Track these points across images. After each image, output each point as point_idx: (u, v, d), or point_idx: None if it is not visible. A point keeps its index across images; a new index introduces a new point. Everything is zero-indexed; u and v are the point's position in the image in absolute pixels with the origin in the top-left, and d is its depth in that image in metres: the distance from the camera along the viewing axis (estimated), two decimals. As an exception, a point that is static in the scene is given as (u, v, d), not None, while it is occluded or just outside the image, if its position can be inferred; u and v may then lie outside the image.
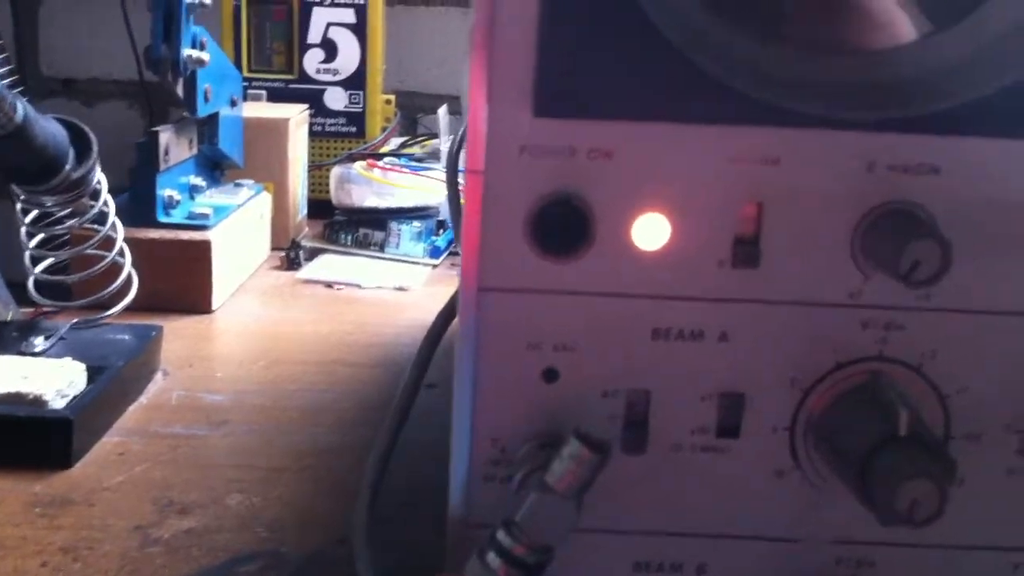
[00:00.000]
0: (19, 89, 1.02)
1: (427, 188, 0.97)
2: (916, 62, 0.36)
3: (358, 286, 0.90)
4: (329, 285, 0.89)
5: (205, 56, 0.78)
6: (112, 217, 0.69)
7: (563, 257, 0.37)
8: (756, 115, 0.36)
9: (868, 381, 0.39)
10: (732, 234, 0.38)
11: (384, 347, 0.76)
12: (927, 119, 0.36)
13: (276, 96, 1.11)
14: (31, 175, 0.58)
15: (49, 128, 0.58)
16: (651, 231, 0.37)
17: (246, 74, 1.10)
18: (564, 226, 0.36)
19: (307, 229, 1.05)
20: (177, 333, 0.75)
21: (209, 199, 0.87)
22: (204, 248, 0.80)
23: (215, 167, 0.92)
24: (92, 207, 0.67)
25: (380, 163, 0.99)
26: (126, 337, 0.68)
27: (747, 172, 0.37)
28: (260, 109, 1.03)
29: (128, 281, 0.70)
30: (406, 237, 0.97)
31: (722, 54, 0.35)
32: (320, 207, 1.05)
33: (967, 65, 0.35)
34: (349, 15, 1.11)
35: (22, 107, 0.54)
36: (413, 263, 0.96)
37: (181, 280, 0.79)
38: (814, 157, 0.37)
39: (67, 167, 0.60)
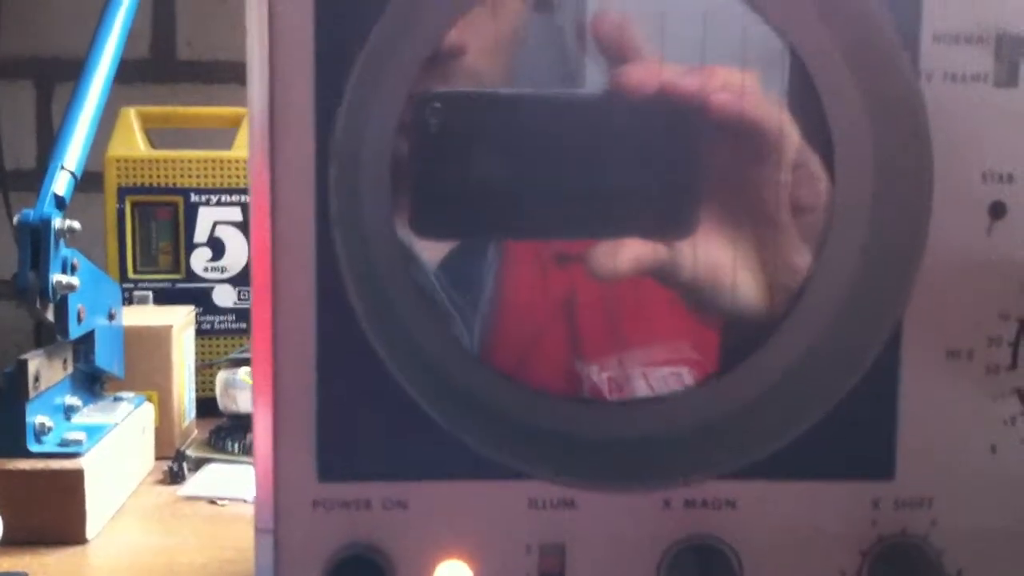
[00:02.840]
0: None
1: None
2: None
3: (243, 500, 0.87)
4: (212, 501, 0.87)
5: (75, 281, 0.77)
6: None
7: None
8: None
9: None
10: None
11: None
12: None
13: (163, 297, 1.09)
14: None
15: None
16: None
17: (132, 275, 1.09)
18: None
19: (196, 432, 1.03)
20: (47, 571, 0.72)
21: (85, 419, 0.84)
22: (76, 478, 0.77)
23: (94, 381, 0.90)
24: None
25: (266, 368, 0.97)
26: (-13, 587, 0.65)
27: (545, 516, 0.37)
28: (144, 314, 1.01)
29: (-10, 526, 0.67)
30: (296, 441, 0.95)
31: (490, 435, 0.35)
32: (211, 406, 1.03)
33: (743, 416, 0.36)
34: (236, 213, 1.11)
35: None
36: (303, 467, 0.93)
37: (53, 511, 0.76)
38: (609, 499, 0.37)
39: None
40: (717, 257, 0.44)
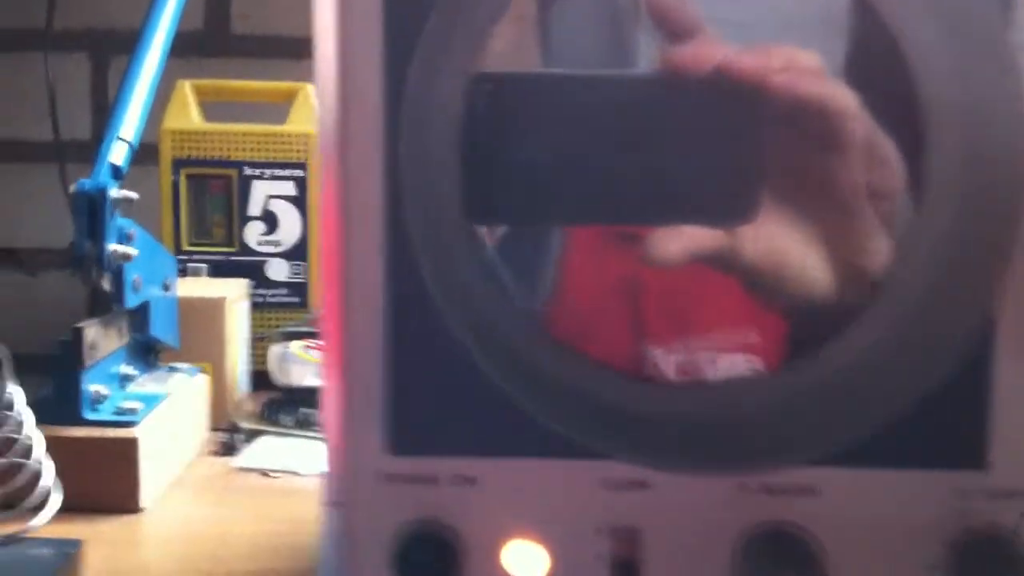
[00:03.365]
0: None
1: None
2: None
3: (296, 473, 0.87)
4: (265, 473, 0.87)
5: (132, 251, 0.77)
6: (28, 427, 0.66)
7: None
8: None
9: None
10: (609, 559, 0.36)
11: (317, 549, 0.73)
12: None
13: (217, 270, 1.10)
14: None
15: (-47, 354, 0.56)
16: (524, 559, 0.35)
17: (186, 248, 1.09)
18: (431, 557, 0.34)
19: (249, 405, 1.03)
20: (102, 538, 0.72)
21: (140, 388, 0.85)
22: (131, 446, 0.77)
23: (149, 351, 0.90)
24: (7, 419, 0.64)
25: (319, 343, 0.97)
26: (46, 552, 0.65)
27: (618, 497, 0.36)
28: (199, 287, 1.01)
29: (49, 492, 0.68)
30: (347, 415, 0.95)
31: (567, 412, 0.34)
32: (264, 379, 1.03)
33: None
34: (290, 187, 1.11)
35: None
36: (355, 441, 0.93)
37: (107, 480, 0.77)
38: (683, 481, 0.36)
39: (-26, 389, 0.57)
40: (782, 244, 0.43)
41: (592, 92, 0.41)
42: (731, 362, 0.41)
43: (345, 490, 0.35)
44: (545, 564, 0.36)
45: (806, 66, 0.43)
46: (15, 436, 0.67)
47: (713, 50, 0.42)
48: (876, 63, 0.42)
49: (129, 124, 0.81)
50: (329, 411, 0.34)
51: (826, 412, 0.37)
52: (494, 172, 0.39)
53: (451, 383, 0.35)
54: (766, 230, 0.43)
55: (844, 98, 0.43)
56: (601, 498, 0.36)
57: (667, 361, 0.41)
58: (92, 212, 0.75)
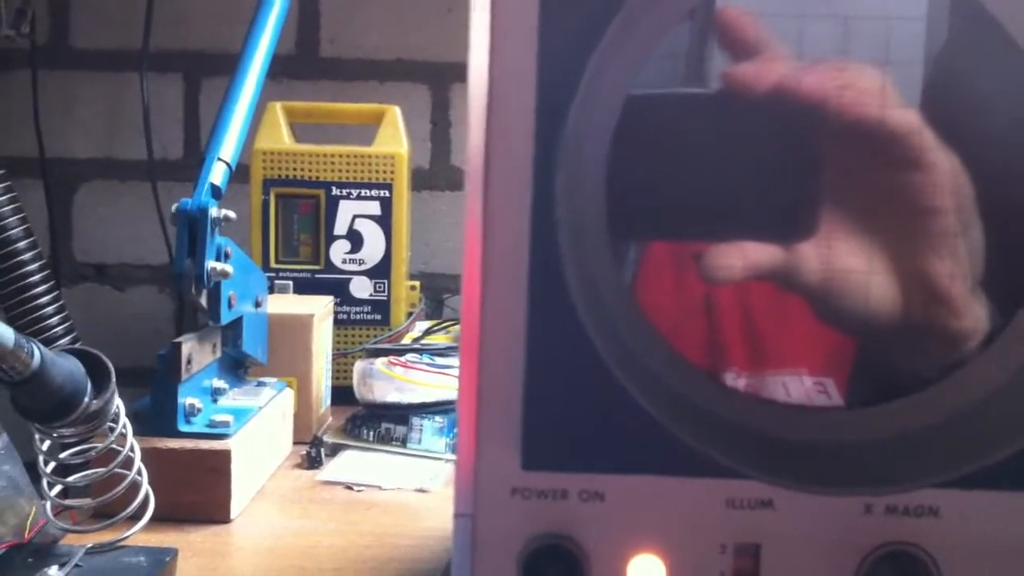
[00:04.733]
0: (47, 272, 1.04)
1: (449, 386, 0.97)
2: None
3: (379, 487, 0.89)
4: (349, 487, 0.89)
5: (229, 268, 0.80)
6: (130, 439, 0.69)
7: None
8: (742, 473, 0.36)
9: None
10: None
11: (401, 562, 0.75)
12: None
13: (302, 287, 1.12)
14: (47, 414, 0.59)
15: (66, 366, 0.58)
16: (647, 573, 0.36)
17: (273, 265, 1.12)
18: (557, 571, 0.36)
19: (331, 419, 1.05)
20: (193, 548, 0.74)
21: (231, 402, 0.87)
22: (224, 458, 0.79)
23: (239, 366, 0.93)
24: (111, 430, 0.67)
25: (402, 359, 0.99)
26: (142, 560, 0.67)
27: (742, 515, 0.37)
28: (286, 303, 1.04)
29: (145, 502, 0.70)
30: (428, 432, 0.97)
31: (703, 431, 0.35)
32: (345, 394, 1.05)
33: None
34: (375, 207, 1.13)
35: (38, 352, 0.55)
36: (435, 459, 0.95)
37: (200, 490, 0.79)
38: (809, 500, 0.37)
39: (85, 401, 0.60)
40: (846, 262, 0.43)
41: (665, 110, 0.42)
42: (804, 388, 0.41)
43: (475, 502, 0.36)
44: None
45: (867, 85, 0.43)
46: (118, 448, 0.69)
47: (775, 68, 0.43)
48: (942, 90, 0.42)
49: (228, 145, 0.83)
50: (463, 424, 0.35)
51: (958, 436, 0.37)
52: (635, 189, 0.40)
53: (587, 400, 0.36)
54: (829, 248, 0.43)
55: (905, 116, 0.43)
56: (726, 516, 0.37)
57: (736, 384, 0.42)
58: (192, 230, 0.77)
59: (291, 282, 1.12)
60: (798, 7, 0.43)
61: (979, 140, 0.42)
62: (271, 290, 1.11)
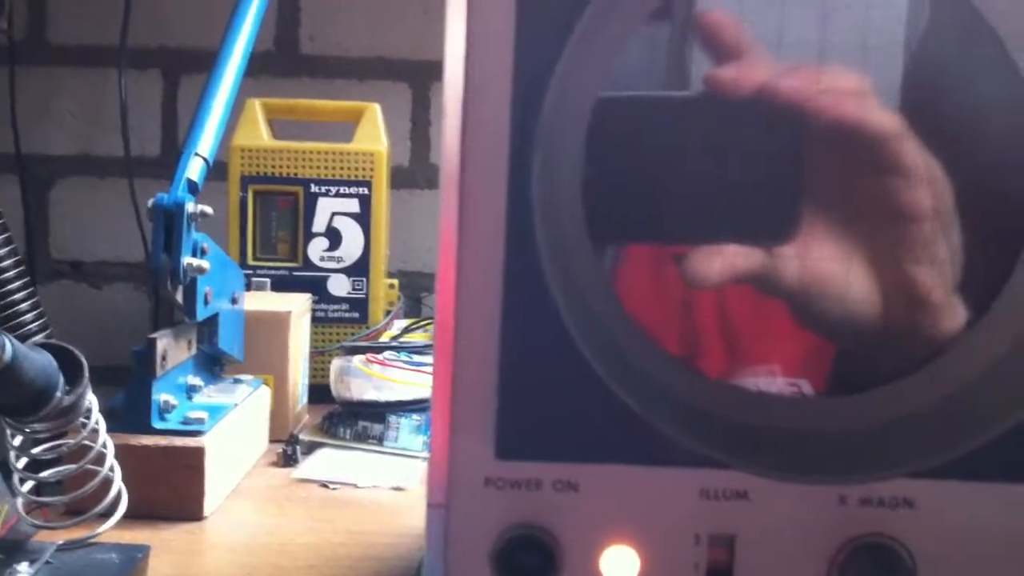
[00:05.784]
0: (21, 269, 1.03)
1: (426, 383, 0.97)
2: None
3: (354, 485, 0.88)
4: (325, 485, 0.88)
5: (205, 264, 0.79)
6: (103, 435, 0.68)
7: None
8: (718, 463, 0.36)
9: None
10: (704, 568, 0.37)
11: (376, 560, 0.74)
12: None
13: (280, 284, 1.12)
14: (19, 408, 0.58)
15: (38, 360, 0.58)
16: (621, 564, 0.36)
17: (251, 262, 1.12)
18: (530, 560, 0.35)
19: (307, 418, 1.05)
20: (166, 546, 0.74)
21: (206, 399, 0.87)
22: (198, 456, 0.79)
23: (214, 363, 0.92)
24: (84, 426, 0.66)
25: (380, 357, 0.99)
26: (113, 557, 0.67)
27: (717, 506, 0.37)
28: (263, 300, 1.03)
29: (118, 498, 0.69)
30: (405, 430, 0.97)
31: (679, 419, 0.35)
32: (322, 393, 1.05)
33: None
34: (354, 205, 1.13)
35: (10, 345, 0.55)
36: (412, 456, 0.95)
37: (173, 487, 0.78)
38: (783, 491, 0.36)
39: (57, 395, 0.60)
40: (824, 266, 0.43)
41: (646, 112, 0.41)
42: (777, 388, 0.41)
43: (448, 492, 0.36)
44: (639, 570, 0.37)
45: (849, 87, 0.43)
46: (90, 444, 0.68)
47: (757, 70, 0.42)
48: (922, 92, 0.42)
49: (205, 140, 0.83)
50: (436, 412, 0.35)
51: (933, 426, 0.37)
52: (612, 191, 0.40)
53: (561, 388, 0.36)
54: (808, 251, 0.43)
55: (885, 120, 0.43)
56: (701, 507, 0.37)
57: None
58: (168, 225, 0.77)
59: (269, 279, 1.12)
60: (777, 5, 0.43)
61: (957, 132, 0.42)
62: (248, 287, 1.10)
